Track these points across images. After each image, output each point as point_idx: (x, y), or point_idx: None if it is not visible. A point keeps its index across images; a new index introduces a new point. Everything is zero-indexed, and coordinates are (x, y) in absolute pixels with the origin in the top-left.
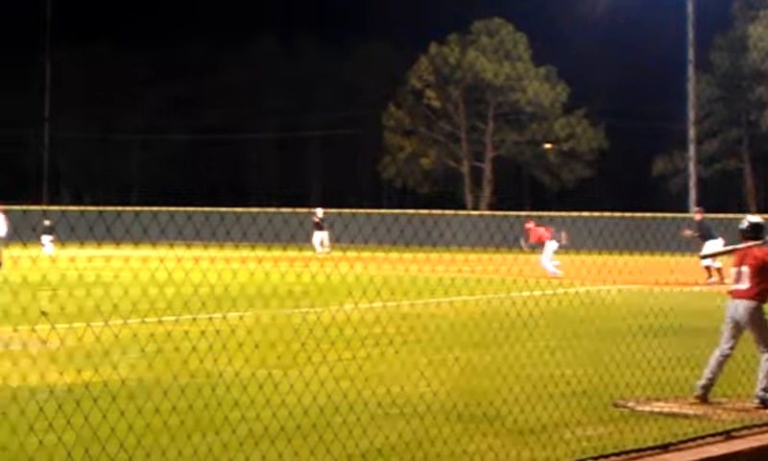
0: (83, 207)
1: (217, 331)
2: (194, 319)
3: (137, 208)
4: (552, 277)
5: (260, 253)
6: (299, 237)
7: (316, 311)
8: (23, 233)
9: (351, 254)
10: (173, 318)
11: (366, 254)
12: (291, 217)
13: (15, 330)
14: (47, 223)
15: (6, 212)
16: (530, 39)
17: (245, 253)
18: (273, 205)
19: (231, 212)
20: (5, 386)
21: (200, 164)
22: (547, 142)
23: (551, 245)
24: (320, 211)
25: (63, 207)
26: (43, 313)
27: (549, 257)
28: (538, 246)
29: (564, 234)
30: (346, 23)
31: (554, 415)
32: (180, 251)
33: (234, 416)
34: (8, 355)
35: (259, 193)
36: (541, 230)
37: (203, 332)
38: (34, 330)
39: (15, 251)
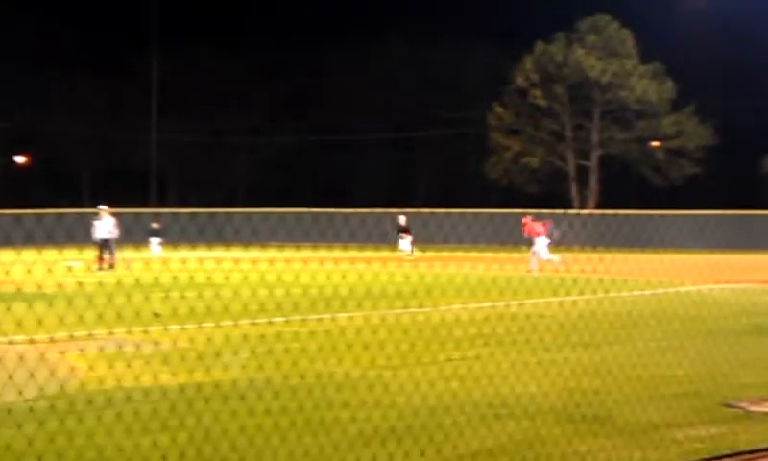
0: (193, 210)
1: (327, 332)
2: (304, 320)
3: (247, 210)
4: (546, 262)
5: (369, 254)
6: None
7: (425, 311)
8: (135, 236)
9: (459, 254)
10: (283, 319)
11: (473, 255)
12: (398, 218)
13: (129, 332)
14: (155, 225)
15: (115, 215)
16: (636, 36)
17: (353, 253)
18: (380, 206)
19: (340, 213)
20: (119, 387)
21: (307, 166)
22: (655, 140)
23: (542, 240)
24: (402, 218)
25: (175, 210)
26: (156, 315)
27: (542, 252)
28: (531, 240)
29: (554, 233)
30: (451, 23)
31: (665, 415)
32: (290, 252)
33: (345, 416)
34: (121, 357)
35: (367, 194)
36: (537, 225)
37: (312, 333)
38: (146, 332)
39: (127, 253)
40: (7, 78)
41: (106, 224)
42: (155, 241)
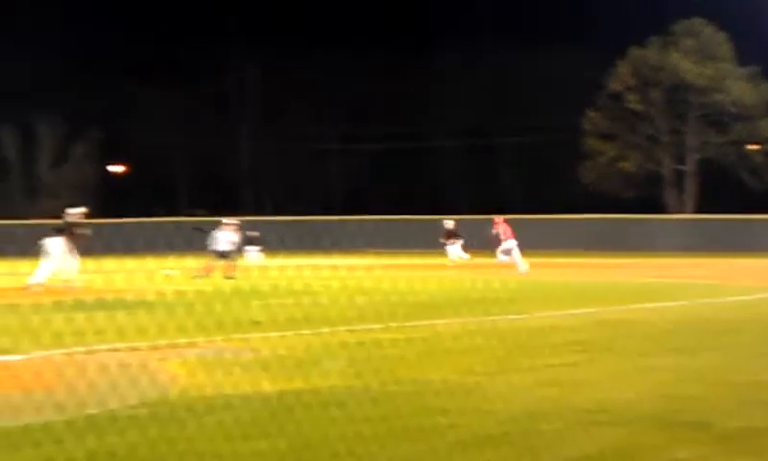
0: (291, 217)
1: (424, 339)
2: (401, 326)
3: (343, 218)
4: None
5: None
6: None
7: (522, 318)
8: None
9: (552, 260)
10: (381, 326)
11: (566, 261)
12: (486, 223)
13: (228, 340)
14: (252, 234)
15: (237, 226)
16: (732, 39)
17: (447, 260)
18: (474, 212)
19: (434, 220)
20: (219, 394)
21: (400, 173)
22: (752, 143)
23: (510, 243)
24: (450, 223)
25: (273, 217)
26: (255, 322)
27: (504, 251)
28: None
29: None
30: (541, 27)
31: (765, 421)
32: (387, 259)
33: (443, 422)
34: (221, 364)
35: (459, 201)
36: (506, 228)
37: (410, 340)
38: (246, 339)
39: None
40: (103, 89)
41: (227, 236)
42: (252, 249)
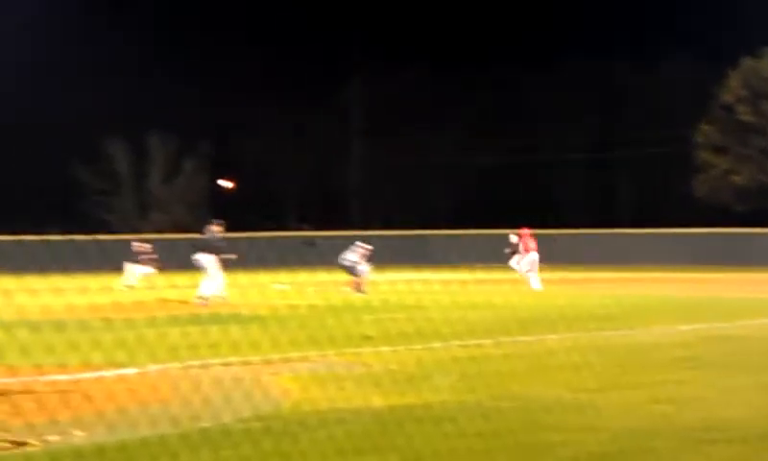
0: (403, 232)
1: (536, 354)
2: (513, 341)
3: (453, 232)
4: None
5: (578, 275)
6: (610, 258)
7: (632, 333)
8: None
9: (661, 275)
10: (492, 341)
11: (675, 275)
12: (598, 237)
13: (341, 354)
14: (369, 247)
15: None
16: None
17: (562, 274)
18: (583, 226)
19: (547, 234)
20: (331, 408)
21: (507, 186)
22: None
23: (532, 256)
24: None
25: (383, 232)
26: (367, 337)
27: (526, 263)
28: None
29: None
30: (651, 39)
31: None
32: (498, 274)
33: (555, 439)
34: (333, 378)
35: (570, 214)
36: (530, 240)
37: (522, 355)
38: (358, 354)
39: (339, 276)
40: (213, 105)
41: (358, 252)
42: (363, 268)
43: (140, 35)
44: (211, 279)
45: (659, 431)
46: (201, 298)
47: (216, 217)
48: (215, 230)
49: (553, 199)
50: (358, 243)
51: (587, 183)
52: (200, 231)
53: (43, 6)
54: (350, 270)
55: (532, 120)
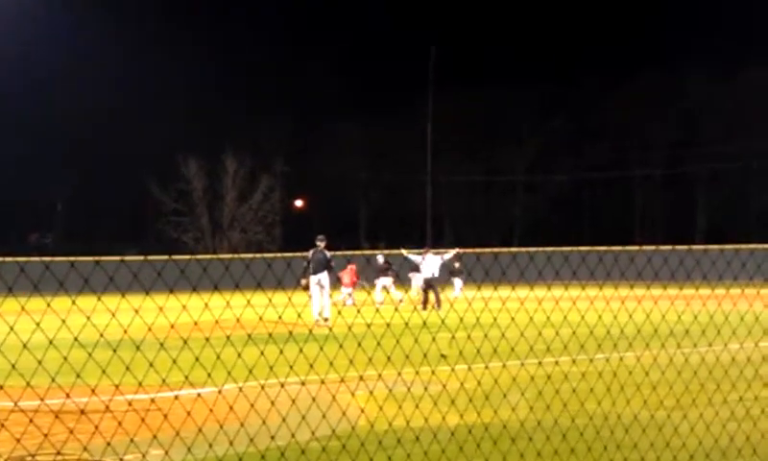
0: (478, 249)
1: (614, 372)
2: (590, 360)
3: (529, 249)
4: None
5: (655, 292)
6: (688, 274)
7: (713, 350)
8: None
9: (739, 291)
10: (569, 359)
11: (753, 291)
12: (675, 254)
13: (417, 373)
14: (457, 265)
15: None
16: None
17: (638, 291)
18: (660, 242)
19: (625, 251)
20: (408, 427)
21: (582, 203)
22: None
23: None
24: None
25: (466, 250)
26: (443, 356)
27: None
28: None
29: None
30: (728, 52)
31: None
32: (575, 291)
33: (634, 458)
34: (410, 397)
35: (647, 231)
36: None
37: (600, 374)
38: (434, 372)
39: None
40: (286, 124)
41: (430, 264)
42: (458, 282)
43: (217, 55)
44: (325, 299)
45: (739, 450)
46: (326, 319)
47: (318, 234)
48: (322, 245)
49: (629, 215)
50: (441, 255)
51: (663, 198)
52: (270, 249)
53: (120, 26)
54: (430, 284)
55: (607, 136)
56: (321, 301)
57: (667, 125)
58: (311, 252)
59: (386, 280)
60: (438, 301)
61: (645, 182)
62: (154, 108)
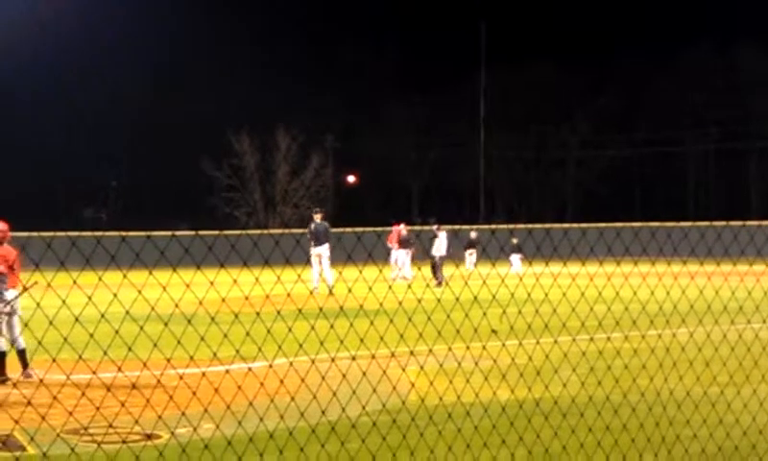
0: (529, 225)
1: (667, 349)
2: (643, 336)
3: (581, 225)
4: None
5: (708, 268)
6: (741, 250)
7: (765, 326)
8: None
9: None
10: (621, 335)
11: None
12: (729, 230)
13: (467, 348)
14: (515, 241)
15: (447, 231)
16: None
17: (692, 268)
18: (711, 218)
19: (677, 227)
20: (458, 402)
21: (634, 179)
22: None
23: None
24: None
25: (516, 225)
26: (494, 331)
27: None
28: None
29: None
30: None
31: None
32: (628, 267)
33: (686, 434)
34: (460, 372)
35: (698, 206)
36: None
37: (652, 350)
38: (485, 348)
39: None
40: (339, 100)
41: (444, 241)
42: (515, 257)
43: (270, 32)
44: (326, 269)
45: None
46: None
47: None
48: (319, 217)
49: (682, 190)
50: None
51: (717, 175)
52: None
53: (174, 6)
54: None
55: (658, 112)
56: (320, 270)
57: (719, 100)
58: (312, 225)
59: (401, 254)
60: (439, 279)
61: (698, 158)
62: (207, 84)
